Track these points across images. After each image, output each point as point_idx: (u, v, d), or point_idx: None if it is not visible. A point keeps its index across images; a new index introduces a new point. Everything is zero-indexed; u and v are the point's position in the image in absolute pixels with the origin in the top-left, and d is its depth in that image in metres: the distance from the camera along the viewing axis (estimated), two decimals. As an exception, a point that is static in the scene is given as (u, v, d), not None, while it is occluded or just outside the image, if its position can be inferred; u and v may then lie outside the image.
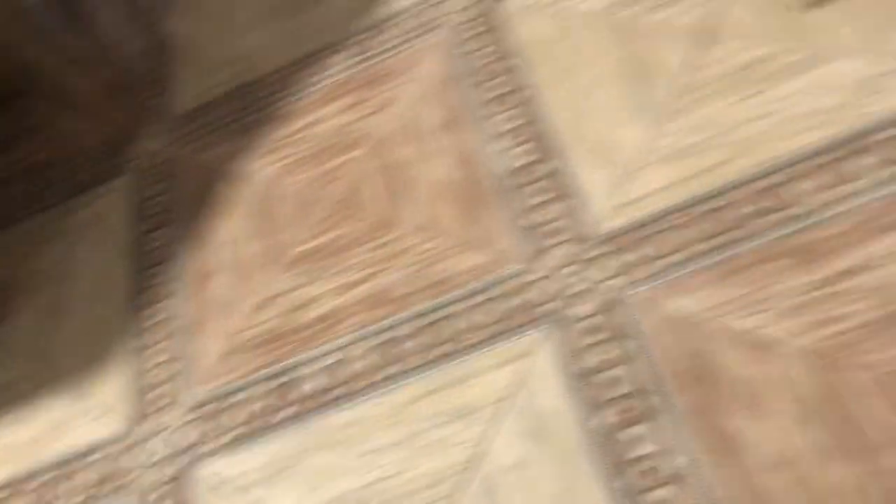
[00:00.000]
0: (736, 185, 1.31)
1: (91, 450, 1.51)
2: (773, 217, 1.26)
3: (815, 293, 1.17)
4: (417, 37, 1.79)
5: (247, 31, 2.01)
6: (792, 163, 1.30)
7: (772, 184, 1.29)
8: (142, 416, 1.51)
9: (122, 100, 2.01)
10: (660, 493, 1.10)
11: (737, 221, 1.28)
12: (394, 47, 1.79)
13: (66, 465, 1.51)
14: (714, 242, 1.27)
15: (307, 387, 1.40)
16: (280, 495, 1.31)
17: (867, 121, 1.28)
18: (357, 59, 1.82)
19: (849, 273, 1.17)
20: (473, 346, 1.32)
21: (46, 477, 1.51)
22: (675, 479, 1.10)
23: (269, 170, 1.72)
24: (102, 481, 1.46)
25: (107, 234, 1.80)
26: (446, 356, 1.33)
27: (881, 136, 1.26)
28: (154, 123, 1.94)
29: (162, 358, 1.55)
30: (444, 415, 1.27)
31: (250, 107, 1.85)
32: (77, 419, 1.56)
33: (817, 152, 1.29)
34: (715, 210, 1.30)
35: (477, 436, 1.24)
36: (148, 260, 1.70)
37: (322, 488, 1.29)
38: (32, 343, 1.70)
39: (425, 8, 1.83)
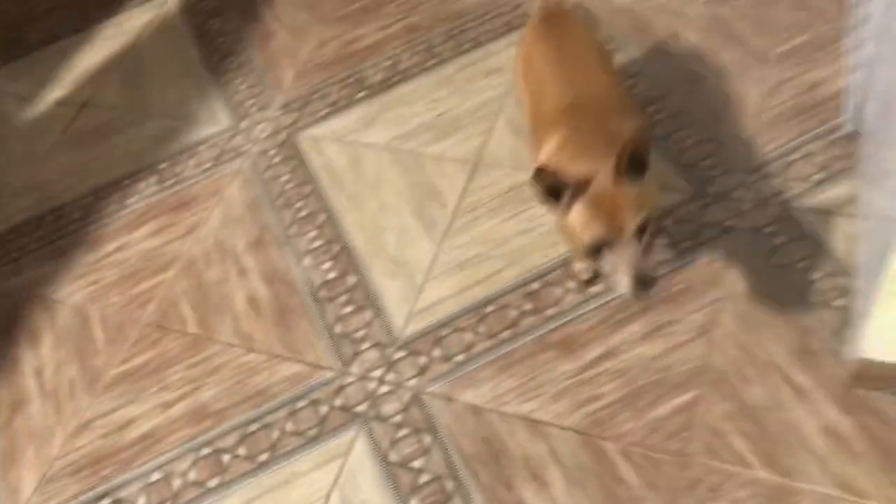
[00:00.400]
0: (508, 291, 1.58)
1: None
2: (538, 317, 1.53)
3: (575, 379, 1.44)
4: (221, 164, 1.94)
5: (49, 159, 2.05)
6: (549, 270, 1.59)
7: (534, 289, 1.56)
8: None
9: None
10: None
11: (510, 322, 1.53)
12: (199, 174, 1.93)
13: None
14: (493, 341, 1.52)
15: (131, 508, 1.46)
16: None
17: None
18: (163, 185, 1.93)
19: (599, 360, 1.46)
20: (294, 451, 1.46)
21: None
22: None
23: (79, 295, 1.77)
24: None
25: None
26: (268, 463, 1.45)
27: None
28: (-51, 251, 1.91)
29: (-29, 494, 1.54)
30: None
31: (57, 233, 1.89)
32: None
33: (566, 261, 1.58)
34: (492, 313, 1.55)
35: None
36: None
37: None
38: None
39: (227, 138, 1.99)
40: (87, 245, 1.85)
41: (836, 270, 1.46)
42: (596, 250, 1.17)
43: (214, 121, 2.05)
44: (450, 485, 1.37)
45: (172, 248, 1.81)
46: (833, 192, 1.56)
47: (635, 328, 1.48)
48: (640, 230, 1.16)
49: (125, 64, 2.27)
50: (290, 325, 1.63)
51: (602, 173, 1.16)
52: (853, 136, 1.62)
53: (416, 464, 1.40)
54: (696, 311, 1.47)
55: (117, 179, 1.97)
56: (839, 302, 1.42)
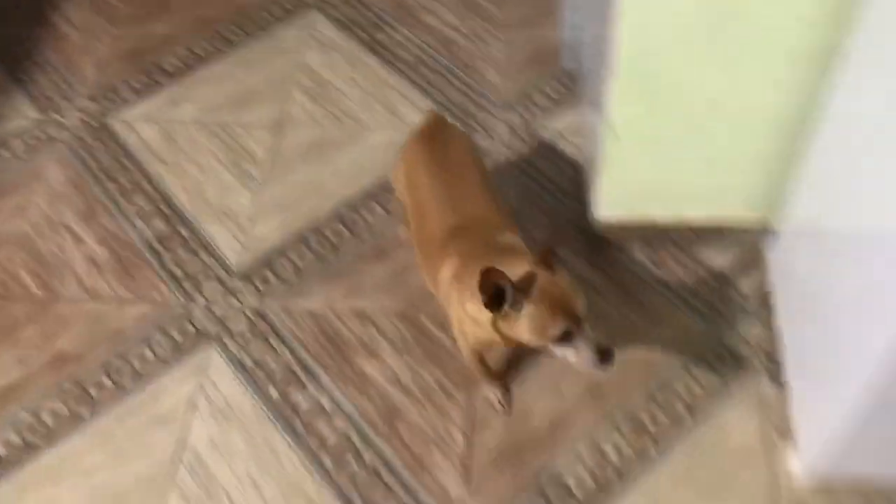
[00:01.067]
0: (325, 219, 1.89)
1: None
2: (353, 238, 1.85)
3: (390, 278, 1.78)
4: (35, 151, 2.07)
5: None
6: (357, 198, 1.92)
7: (344, 213, 1.89)
8: None
9: None
10: (320, 427, 1.57)
11: (331, 245, 1.84)
12: (14, 161, 2.05)
13: None
14: (319, 262, 1.81)
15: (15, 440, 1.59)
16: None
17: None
18: None
19: (409, 261, 1.80)
20: (156, 373, 1.66)
21: None
22: (329, 412, 1.59)
23: None
24: None
25: None
26: (134, 389, 1.64)
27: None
28: None
29: None
30: (143, 426, 1.59)
31: None
32: None
33: (369, 191, 1.92)
34: (313, 239, 1.85)
35: (176, 432, 1.57)
36: None
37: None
38: None
39: (38, 127, 2.13)
40: None
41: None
42: (560, 341, 1.20)
43: (21, 114, 2.16)
44: (301, 372, 1.64)
45: (2, 230, 1.92)
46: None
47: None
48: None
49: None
50: (133, 274, 1.82)
51: (538, 272, 1.20)
52: (571, 72, 2.12)
53: (269, 361, 1.66)
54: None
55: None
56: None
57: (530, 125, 2.03)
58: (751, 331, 1.64)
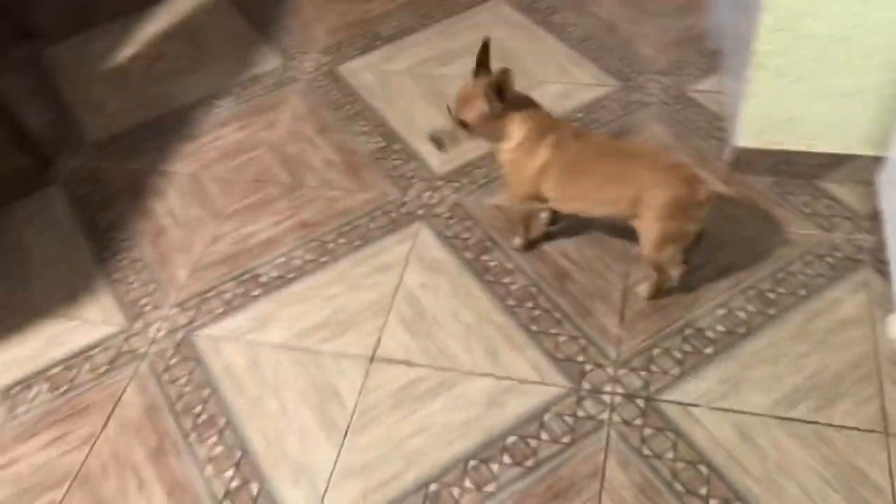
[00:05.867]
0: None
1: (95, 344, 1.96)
2: None
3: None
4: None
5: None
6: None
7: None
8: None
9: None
10: (506, 280, 2.00)
11: None
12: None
13: (79, 355, 1.94)
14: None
15: (263, 278, 2.09)
16: (267, 334, 1.96)
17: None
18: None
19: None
20: (376, 238, 2.14)
21: (56, 370, 1.93)
22: (512, 271, 2.02)
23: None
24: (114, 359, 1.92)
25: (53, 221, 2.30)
26: (363, 245, 2.13)
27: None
28: None
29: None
30: (369, 272, 2.06)
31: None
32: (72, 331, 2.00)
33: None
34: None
35: (395, 277, 2.04)
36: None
37: (297, 322, 1.97)
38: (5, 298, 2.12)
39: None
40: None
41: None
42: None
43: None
44: (489, 242, 2.10)
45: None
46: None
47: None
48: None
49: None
50: (360, 173, 2.31)
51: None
52: (714, 51, 2.55)
53: (465, 234, 2.12)
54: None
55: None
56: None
57: (678, 87, 2.46)
58: (861, 239, 1.98)
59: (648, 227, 1.73)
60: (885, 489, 1.54)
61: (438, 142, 1.79)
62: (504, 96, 1.68)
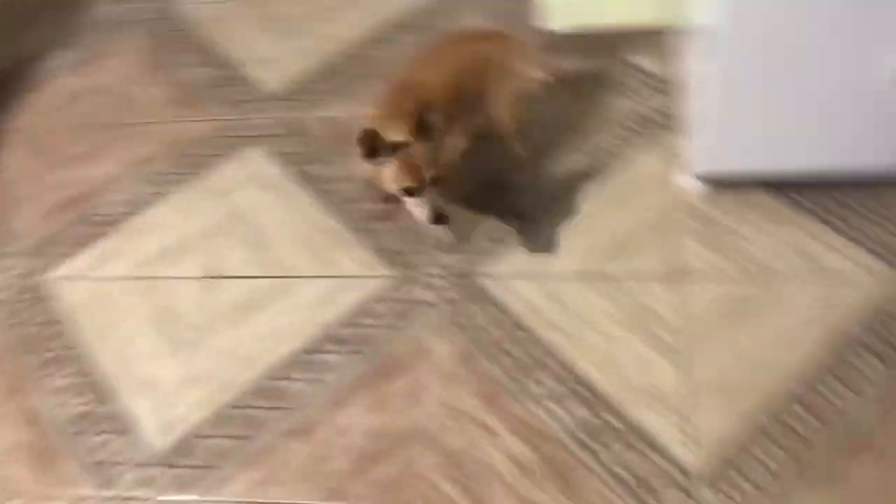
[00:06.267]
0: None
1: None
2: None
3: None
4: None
5: None
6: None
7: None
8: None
9: None
10: (337, 185, 2.09)
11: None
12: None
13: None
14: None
15: (106, 216, 2.13)
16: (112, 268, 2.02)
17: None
18: None
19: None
20: (213, 164, 2.20)
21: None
22: (344, 178, 2.11)
23: None
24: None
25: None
26: (197, 173, 2.18)
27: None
28: None
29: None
30: (206, 197, 2.12)
31: None
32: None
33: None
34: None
35: (231, 199, 2.11)
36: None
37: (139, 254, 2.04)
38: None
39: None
40: None
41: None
42: (407, 194, 1.61)
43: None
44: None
45: None
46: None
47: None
48: (434, 180, 1.60)
49: None
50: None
51: (409, 141, 1.56)
52: None
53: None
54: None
55: None
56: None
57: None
58: (658, 101, 2.11)
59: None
60: (674, 324, 1.72)
61: (441, 217, 1.65)
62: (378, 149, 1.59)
